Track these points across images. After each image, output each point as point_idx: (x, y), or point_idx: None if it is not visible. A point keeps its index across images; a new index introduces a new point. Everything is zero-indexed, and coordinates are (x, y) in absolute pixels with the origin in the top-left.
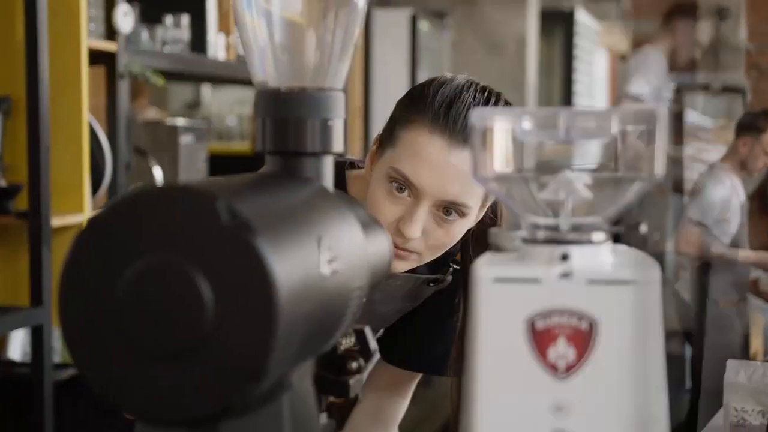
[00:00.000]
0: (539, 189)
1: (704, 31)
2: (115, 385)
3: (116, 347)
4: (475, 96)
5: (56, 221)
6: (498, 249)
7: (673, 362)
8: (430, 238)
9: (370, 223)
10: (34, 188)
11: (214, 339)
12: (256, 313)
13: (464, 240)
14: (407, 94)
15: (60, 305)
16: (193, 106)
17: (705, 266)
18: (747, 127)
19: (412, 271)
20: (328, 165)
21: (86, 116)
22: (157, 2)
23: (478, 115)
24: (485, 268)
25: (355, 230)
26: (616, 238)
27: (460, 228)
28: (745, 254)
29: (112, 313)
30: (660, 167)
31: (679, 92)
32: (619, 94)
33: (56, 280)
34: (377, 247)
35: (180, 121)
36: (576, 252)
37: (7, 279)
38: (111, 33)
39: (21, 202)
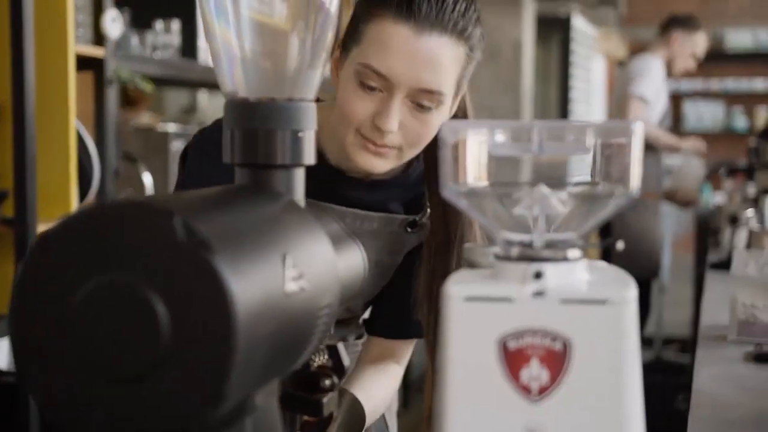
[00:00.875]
0: (513, 204)
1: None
2: (67, 407)
3: (69, 368)
4: None
5: (43, 228)
6: (472, 265)
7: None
8: (408, 131)
9: (342, 238)
10: (20, 195)
11: (170, 361)
12: (213, 334)
13: (429, 152)
14: None
15: (10, 324)
16: (189, 111)
17: None
18: (681, 24)
19: (388, 211)
20: (299, 177)
21: (74, 122)
22: (147, 7)
23: (449, 128)
24: (456, 287)
25: (324, 246)
26: (606, 252)
27: (436, 119)
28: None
29: (64, 333)
30: (636, 182)
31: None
32: (617, 97)
33: None
34: (349, 261)
35: (171, 127)
36: (550, 270)
37: None
38: (99, 38)
39: (7, 209)
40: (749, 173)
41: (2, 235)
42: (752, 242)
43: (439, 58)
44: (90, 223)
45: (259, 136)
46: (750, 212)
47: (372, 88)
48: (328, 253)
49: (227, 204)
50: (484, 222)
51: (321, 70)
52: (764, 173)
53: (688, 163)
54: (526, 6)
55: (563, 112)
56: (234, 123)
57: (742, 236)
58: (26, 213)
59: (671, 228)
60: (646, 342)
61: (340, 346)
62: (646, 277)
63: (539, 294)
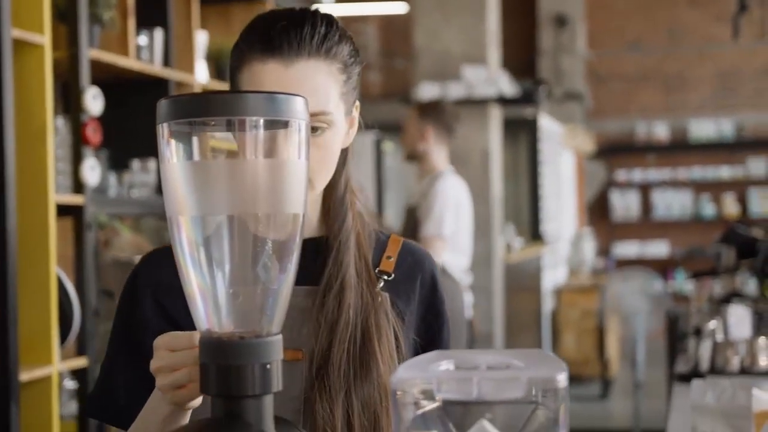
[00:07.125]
0: None
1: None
2: None
3: None
4: (297, 13)
5: (24, 376)
6: None
7: None
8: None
9: None
10: (2, 346)
11: None
12: None
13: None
14: (234, 46)
15: None
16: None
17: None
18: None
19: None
20: (268, 404)
21: (54, 270)
22: (125, 148)
23: (398, 381)
24: None
25: None
26: None
27: (331, 139)
28: None
29: None
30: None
31: None
32: None
33: None
34: None
35: None
36: None
37: None
38: (78, 186)
39: None
40: (715, 274)
41: None
42: (717, 354)
43: (311, 81)
44: None
45: (231, 371)
46: (713, 324)
47: None
48: None
49: None
50: None
51: (286, 306)
52: (727, 278)
53: None
54: (492, 114)
55: (534, 211)
56: (209, 358)
57: (706, 347)
58: (8, 363)
59: (643, 325)
60: None
61: None
62: None
63: None
